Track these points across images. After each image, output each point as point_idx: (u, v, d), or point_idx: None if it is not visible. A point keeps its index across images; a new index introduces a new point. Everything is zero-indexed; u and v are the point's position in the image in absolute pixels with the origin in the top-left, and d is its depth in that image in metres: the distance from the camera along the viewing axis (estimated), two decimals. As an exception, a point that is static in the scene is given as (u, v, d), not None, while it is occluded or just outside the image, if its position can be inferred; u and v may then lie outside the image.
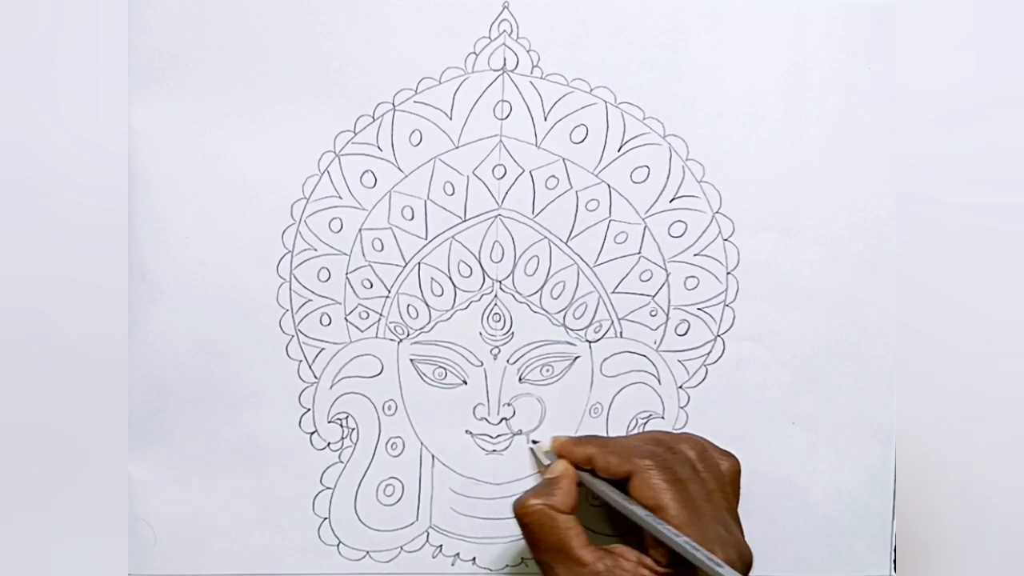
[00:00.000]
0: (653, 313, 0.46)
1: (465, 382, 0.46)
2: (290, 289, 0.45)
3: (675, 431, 0.47)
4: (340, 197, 0.45)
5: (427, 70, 0.45)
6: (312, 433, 0.46)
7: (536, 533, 0.41)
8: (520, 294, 0.46)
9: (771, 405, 0.47)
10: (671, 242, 0.46)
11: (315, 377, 0.46)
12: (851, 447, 0.48)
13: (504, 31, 0.45)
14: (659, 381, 0.47)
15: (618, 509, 0.41)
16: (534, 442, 0.46)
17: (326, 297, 0.46)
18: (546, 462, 0.45)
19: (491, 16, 0.45)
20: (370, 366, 0.46)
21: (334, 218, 0.45)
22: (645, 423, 0.47)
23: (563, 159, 0.45)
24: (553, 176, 0.45)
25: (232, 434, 0.46)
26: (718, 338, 0.47)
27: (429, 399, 0.46)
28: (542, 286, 0.46)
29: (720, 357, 0.47)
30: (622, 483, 0.41)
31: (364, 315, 0.46)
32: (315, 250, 0.45)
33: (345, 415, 0.46)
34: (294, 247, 0.45)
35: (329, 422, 0.46)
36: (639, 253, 0.46)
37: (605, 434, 0.47)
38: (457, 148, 0.45)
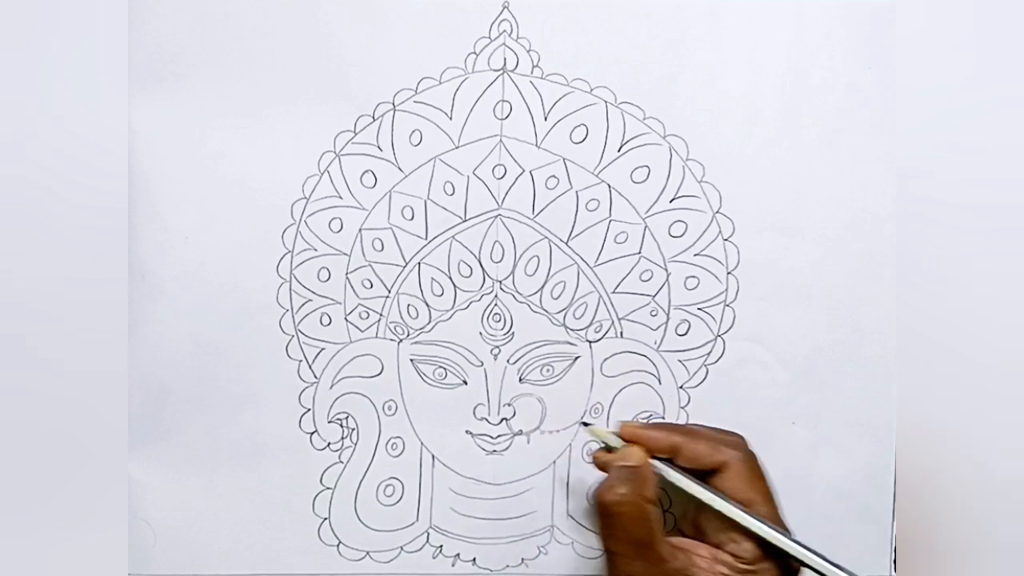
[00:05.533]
0: (653, 313, 0.46)
1: (465, 382, 0.46)
2: (290, 289, 0.45)
3: None
4: (340, 197, 0.45)
5: (427, 70, 0.45)
6: (312, 433, 0.46)
7: (626, 525, 0.38)
8: (520, 294, 0.46)
9: (771, 405, 0.47)
10: (671, 242, 0.46)
11: (315, 377, 0.46)
12: (851, 447, 0.48)
13: (504, 31, 0.45)
14: (659, 381, 0.47)
15: (705, 502, 0.39)
16: (584, 424, 0.45)
17: (326, 297, 0.46)
18: (611, 445, 0.42)
19: (491, 16, 0.45)
20: (370, 366, 0.46)
21: (334, 218, 0.45)
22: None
23: (563, 159, 0.45)
24: (553, 176, 0.45)
25: (232, 434, 0.46)
26: (718, 338, 0.47)
27: (429, 399, 0.46)
28: (542, 286, 0.46)
29: (720, 357, 0.47)
30: (701, 475, 0.40)
31: (364, 315, 0.46)
32: (315, 250, 0.45)
33: (345, 415, 0.46)
34: (294, 247, 0.45)
35: (329, 422, 0.46)
36: (639, 253, 0.46)
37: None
38: (457, 148, 0.45)
